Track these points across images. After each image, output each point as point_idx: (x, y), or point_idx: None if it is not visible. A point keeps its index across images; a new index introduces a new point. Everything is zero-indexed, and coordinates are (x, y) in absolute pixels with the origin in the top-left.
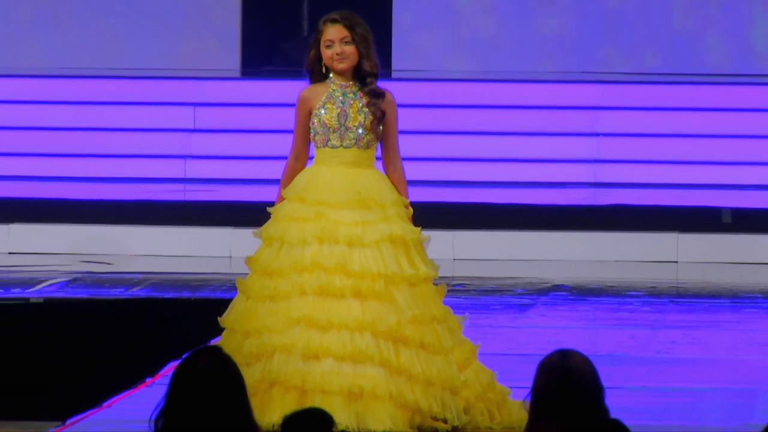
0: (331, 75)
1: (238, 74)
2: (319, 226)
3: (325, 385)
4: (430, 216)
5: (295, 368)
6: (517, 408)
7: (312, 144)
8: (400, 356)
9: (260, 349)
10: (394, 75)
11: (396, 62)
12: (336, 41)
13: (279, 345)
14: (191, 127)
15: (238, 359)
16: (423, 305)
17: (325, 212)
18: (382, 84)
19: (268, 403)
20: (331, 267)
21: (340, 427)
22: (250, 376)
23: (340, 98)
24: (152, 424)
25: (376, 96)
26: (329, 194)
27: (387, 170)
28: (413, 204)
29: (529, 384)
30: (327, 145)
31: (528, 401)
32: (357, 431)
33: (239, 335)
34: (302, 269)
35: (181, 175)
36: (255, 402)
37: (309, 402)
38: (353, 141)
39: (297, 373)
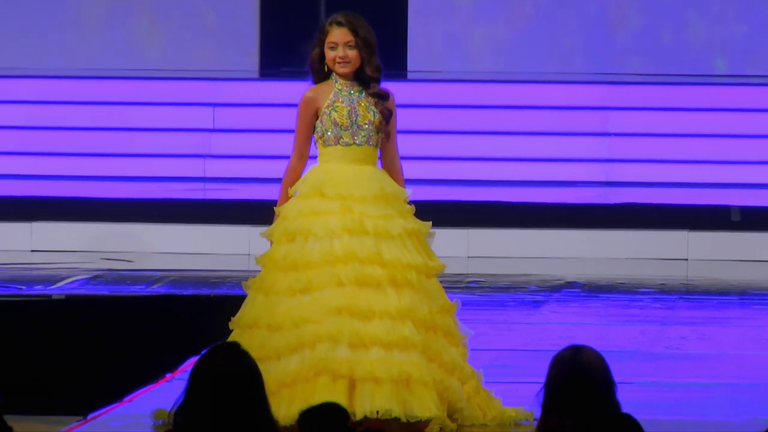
0: (333, 74)
1: (256, 75)
2: (347, 219)
3: (375, 372)
4: (445, 214)
5: (343, 356)
6: (497, 406)
7: (315, 143)
8: (433, 344)
9: (299, 339)
10: (409, 76)
11: (411, 63)
12: (340, 44)
13: (323, 334)
14: (210, 127)
15: (261, 354)
16: (441, 297)
17: (351, 205)
18: (395, 85)
19: (314, 392)
20: (364, 257)
21: (393, 414)
22: (284, 368)
23: (348, 97)
24: (170, 418)
25: (381, 98)
26: (353, 188)
27: (387, 168)
28: (428, 202)
29: (542, 379)
30: (339, 143)
31: (541, 396)
32: (405, 418)
33: (263, 330)
34: (335, 261)
35: (200, 174)
36: (296, 392)
37: (359, 390)
38: (365, 139)
39: (345, 362)
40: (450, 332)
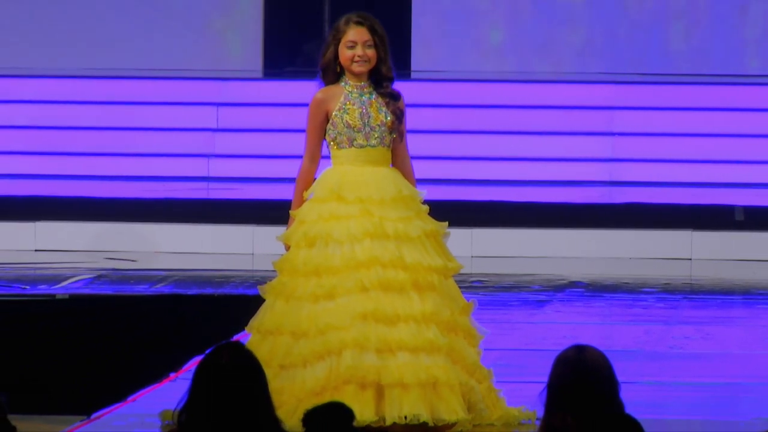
0: (344, 75)
1: (260, 75)
2: (368, 223)
3: (403, 378)
4: (449, 214)
5: (370, 363)
6: (502, 405)
7: (327, 146)
8: (456, 346)
9: (325, 347)
10: (413, 76)
11: (415, 63)
12: (359, 43)
13: (350, 341)
14: (214, 126)
15: (287, 361)
16: (459, 297)
17: (370, 209)
18: (399, 84)
19: (342, 400)
20: (387, 262)
21: (421, 419)
22: (311, 376)
23: (359, 98)
24: (174, 418)
25: (393, 98)
26: (372, 191)
27: (399, 168)
28: (433, 201)
29: (546, 378)
30: (353, 145)
31: (544, 395)
32: (432, 422)
33: (286, 337)
34: (357, 265)
35: (204, 174)
36: (324, 401)
37: (388, 396)
38: (379, 140)
39: (372, 368)
40: (469, 332)
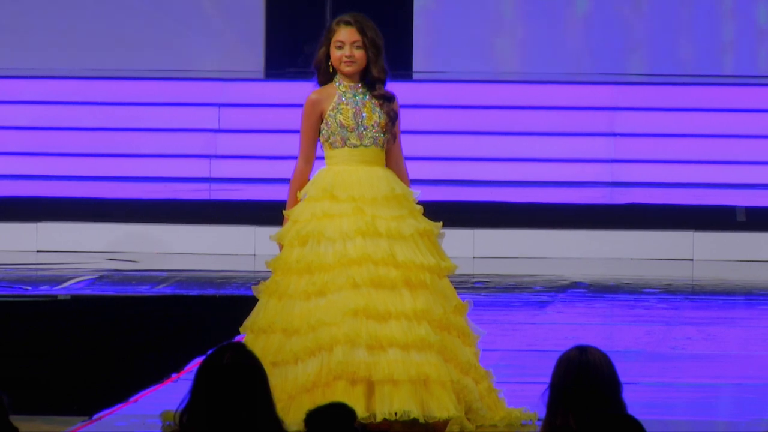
0: (337, 75)
1: (262, 76)
2: (360, 221)
3: (394, 374)
4: (451, 214)
5: (361, 359)
6: (504, 406)
7: (322, 146)
8: (449, 344)
9: (316, 343)
10: (414, 76)
11: (416, 64)
12: (347, 44)
13: (341, 337)
14: (216, 127)
15: (278, 358)
16: (453, 297)
17: (363, 207)
18: (400, 85)
19: (334, 396)
20: (378, 259)
21: (412, 416)
22: (303, 372)
23: (352, 98)
24: (176, 419)
25: (387, 99)
26: (364, 190)
27: (393, 169)
28: (435, 201)
29: (548, 379)
30: (346, 144)
31: (546, 396)
32: (423, 419)
33: (279, 335)
34: (349, 263)
35: (206, 175)
36: (316, 397)
37: (378, 392)
38: (372, 140)
39: (363, 364)
40: (464, 332)
